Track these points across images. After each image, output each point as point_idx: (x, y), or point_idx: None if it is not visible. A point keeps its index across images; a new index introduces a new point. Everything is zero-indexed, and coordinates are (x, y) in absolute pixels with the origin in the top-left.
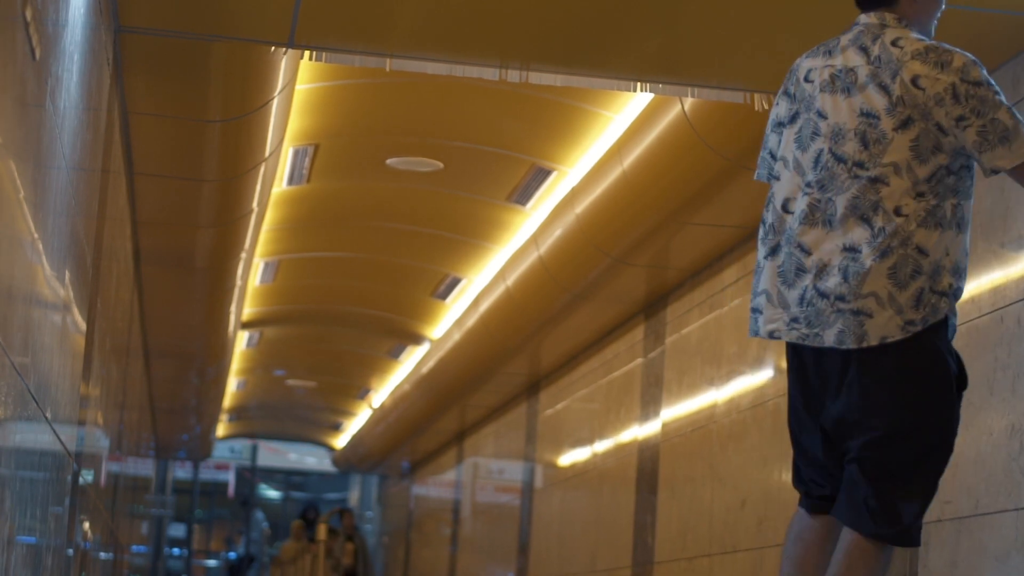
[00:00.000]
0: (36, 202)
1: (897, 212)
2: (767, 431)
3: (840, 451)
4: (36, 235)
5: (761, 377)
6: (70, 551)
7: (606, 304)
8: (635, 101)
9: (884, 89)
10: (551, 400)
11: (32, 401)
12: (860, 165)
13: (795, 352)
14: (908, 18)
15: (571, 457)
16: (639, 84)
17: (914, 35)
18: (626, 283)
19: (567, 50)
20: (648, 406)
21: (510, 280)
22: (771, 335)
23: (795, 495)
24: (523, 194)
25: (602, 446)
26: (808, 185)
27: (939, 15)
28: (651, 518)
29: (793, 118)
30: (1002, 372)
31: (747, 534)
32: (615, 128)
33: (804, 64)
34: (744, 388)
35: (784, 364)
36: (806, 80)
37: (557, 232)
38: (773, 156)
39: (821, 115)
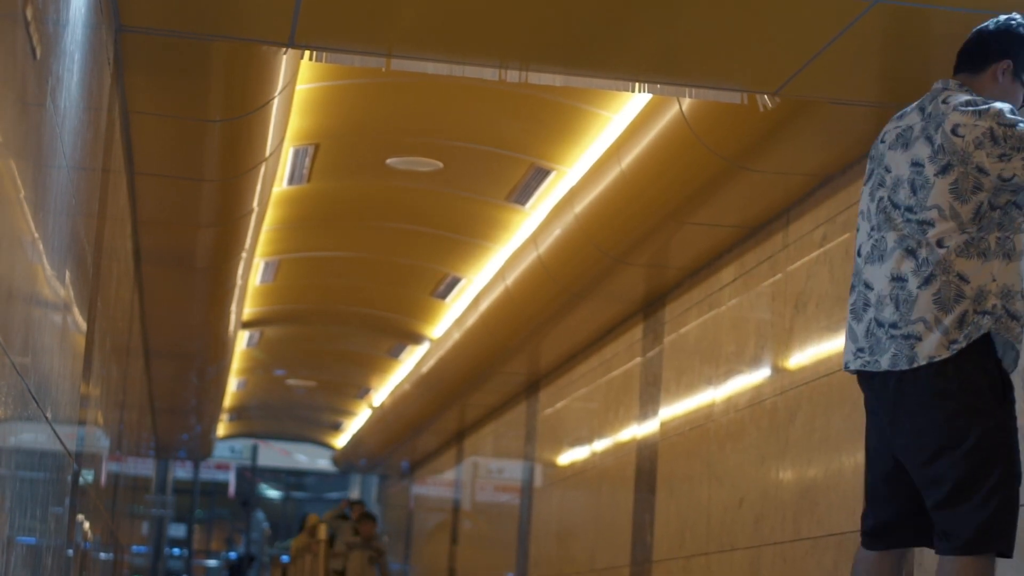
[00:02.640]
0: (36, 202)
1: (940, 244)
2: (765, 430)
3: (907, 480)
4: (36, 235)
5: (759, 376)
6: (70, 551)
7: (605, 303)
8: (633, 101)
9: (929, 140)
10: (550, 399)
11: (32, 401)
12: (910, 209)
13: (864, 385)
14: (983, 93)
15: (570, 456)
16: (637, 84)
17: (964, 95)
18: (625, 282)
19: (566, 50)
20: (646, 405)
21: (509, 280)
22: (847, 367)
23: (793, 492)
24: (522, 194)
25: (601, 445)
26: (872, 229)
27: (1021, 107)
28: (649, 517)
29: (869, 176)
30: None
31: (744, 533)
32: (614, 128)
33: (886, 128)
34: (742, 387)
35: (783, 363)
36: (881, 141)
37: (556, 232)
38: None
39: (887, 169)
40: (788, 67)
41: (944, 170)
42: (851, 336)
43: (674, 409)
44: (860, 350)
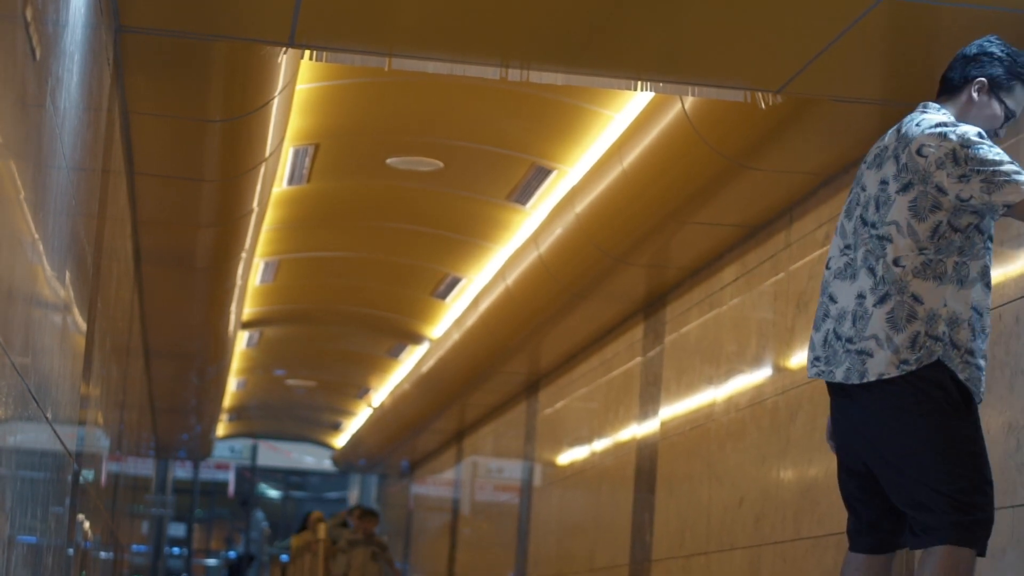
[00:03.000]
0: (36, 202)
1: (896, 263)
2: (765, 430)
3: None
4: (36, 235)
5: (760, 376)
6: (70, 551)
7: (605, 303)
8: (635, 100)
9: (896, 159)
10: (550, 399)
11: (32, 401)
12: (873, 225)
13: (829, 391)
14: (962, 113)
15: (570, 456)
16: (639, 83)
17: (939, 114)
18: (625, 282)
19: (568, 49)
20: (647, 405)
21: (510, 279)
22: (808, 374)
23: (793, 492)
24: (523, 193)
25: (601, 445)
26: (847, 247)
27: (1001, 126)
28: (649, 516)
29: (850, 193)
30: (999, 370)
31: (745, 532)
32: (615, 127)
33: (871, 148)
34: (742, 387)
35: (784, 363)
36: (864, 161)
37: (557, 231)
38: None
39: (863, 188)
40: (791, 65)
41: (905, 188)
42: (810, 344)
43: (674, 409)
44: (816, 359)
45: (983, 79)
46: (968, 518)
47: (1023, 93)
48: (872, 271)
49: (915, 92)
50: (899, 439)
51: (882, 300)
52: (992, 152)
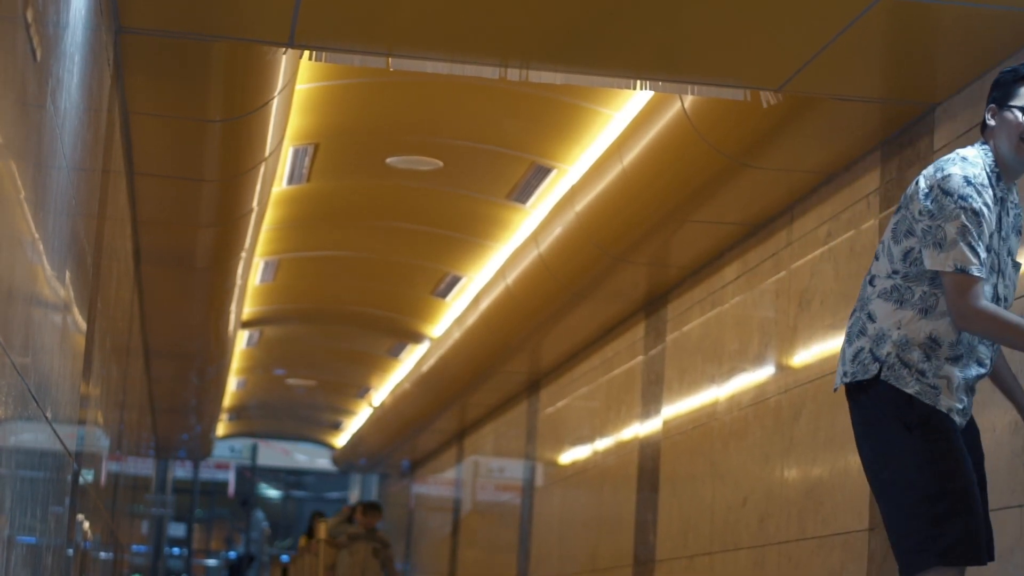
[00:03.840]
0: (37, 202)
1: (871, 281)
2: (768, 428)
3: None
4: (36, 235)
5: (762, 374)
6: (70, 551)
7: (606, 302)
8: (635, 99)
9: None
10: (551, 398)
11: (32, 401)
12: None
13: None
14: (991, 138)
15: (572, 455)
16: (639, 82)
17: (966, 149)
18: (626, 281)
19: (567, 48)
20: (649, 404)
21: (510, 278)
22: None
23: (798, 491)
24: (523, 192)
25: (603, 444)
26: (895, 272)
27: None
28: (652, 516)
29: (897, 210)
30: None
31: (748, 532)
32: (615, 126)
33: None
34: (745, 385)
35: (786, 361)
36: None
37: (557, 230)
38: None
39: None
40: (791, 63)
41: (897, 211)
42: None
43: (677, 408)
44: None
45: (991, 105)
46: (930, 534)
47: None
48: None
49: (915, 90)
50: (861, 449)
51: (852, 313)
52: (959, 207)
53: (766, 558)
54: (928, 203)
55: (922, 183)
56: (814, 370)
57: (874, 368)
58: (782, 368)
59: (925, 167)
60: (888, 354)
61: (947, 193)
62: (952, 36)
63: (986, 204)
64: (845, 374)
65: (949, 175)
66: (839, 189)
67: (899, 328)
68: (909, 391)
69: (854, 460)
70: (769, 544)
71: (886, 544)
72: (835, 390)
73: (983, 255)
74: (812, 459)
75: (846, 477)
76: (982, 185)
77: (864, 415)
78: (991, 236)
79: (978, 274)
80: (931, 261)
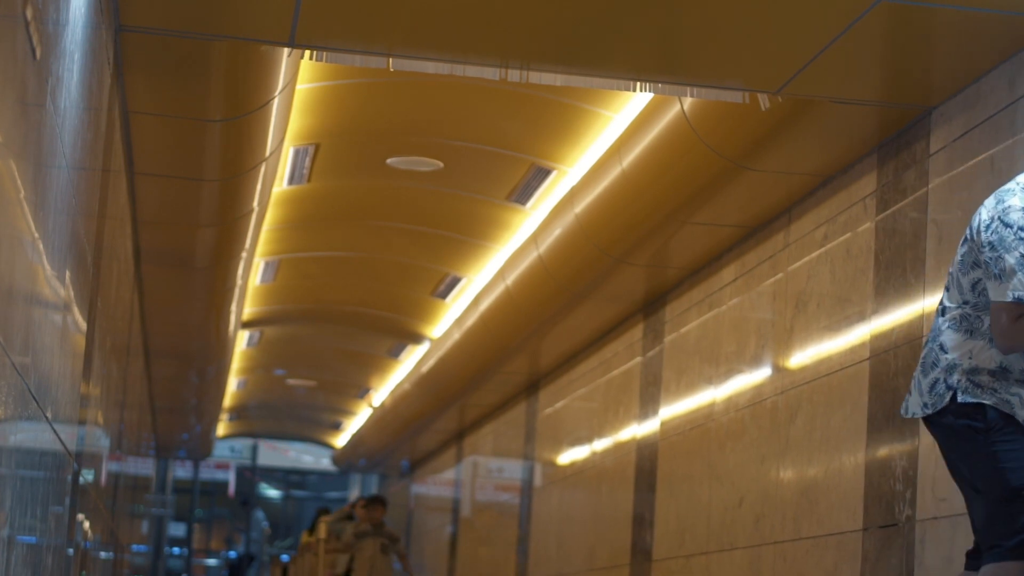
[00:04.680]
0: (36, 202)
1: (942, 312)
2: (765, 429)
3: None
4: (36, 235)
5: (759, 376)
6: (70, 550)
7: (605, 303)
8: (634, 100)
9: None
10: (550, 399)
11: (32, 401)
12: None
13: None
14: None
15: (570, 456)
16: (639, 83)
17: (1017, 181)
18: (625, 282)
19: (567, 49)
20: (647, 405)
21: (510, 279)
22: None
23: (793, 492)
24: (523, 193)
25: (601, 445)
26: (965, 303)
27: None
28: (649, 516)
29: (963, 242)
30: None
31: (745, 532)
32: (615, 127)
33: None
34: (742, 387)
35: (783, 362)
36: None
37: (556, 231)
38: None
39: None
40: (790, 66)
41: (963, 242)
42: (915, 387)
43: (674, 408)
44: (925, 405)
45: None
46: (1008, 528)
47: None
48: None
49: (912, 93)
50: (956, 469)
51: (925, 344)
52: (1018, 238)
53: (762, 558)
54: (989, 235)
55: (984, 215)
56: (810, 372)
57: (948, 396)
58: (779, 369)
59: (921, 171)
60: (959, 381)
61: (1007, 225)
62: (949, 40)
63: None
64: (925, 405)
65: (1008, 207)
66: (836, 192)
67: (970, 358)
68: (988, 402)
69: (849, 461)
70: (765, 544)
71: (880, 544)
72: (909, 416)
73: None
74: (808, 460)
75: (841, 478)
76: None
77: (946, 436)
78: None
79: None
80: (994, 293)
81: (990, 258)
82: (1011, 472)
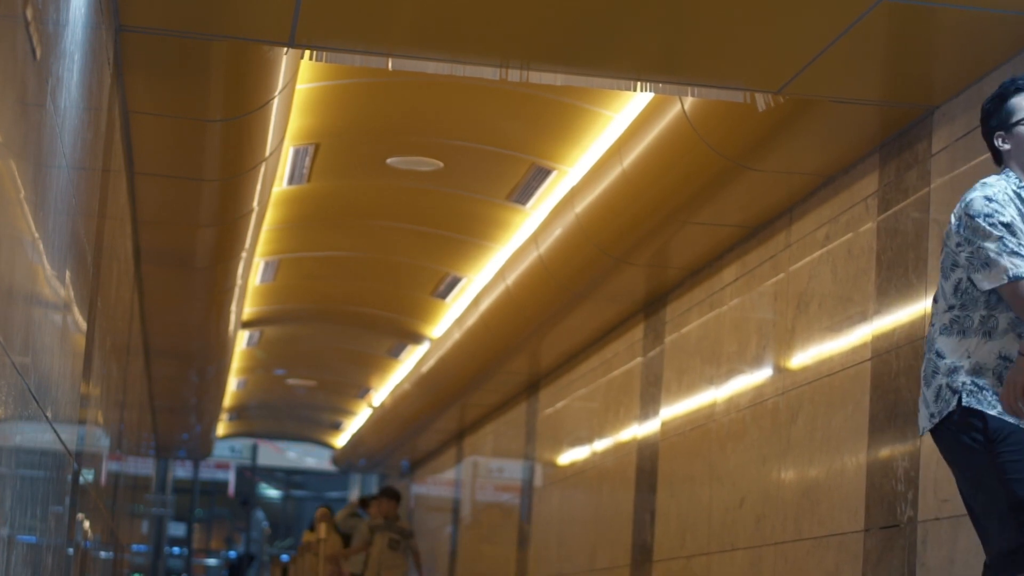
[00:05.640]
0: (37, 201)
1: (932, 323)
2: (766, 430)
3: None
4: (36, 234)
5: (760, 376)
6: (70, 550)
7: (605, 303)
8: (635, 100)
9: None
10: (551, 399)
11: (32, 400)
12: None
13: None
14: (1008, 164)
15: (570, 456)
16: (639, 83)
17: (991, 178)
18: (625, 282)
19: (567, 49)
20: (647, 405)
21: (510, 279)
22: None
23: (794, 492)
24: (523, 193)
25: (601, 445)
26: (951, 307)
27: None
28: (650, 516)
29: (942, 251)
30: None
31: (745, 532)
32: (615, 127)
33: None
34: (743, 387)
35: (784, 363)
36: None
37: (557, 231)
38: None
39: None
40: (791, 66)
41: (941, 249)
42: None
43: (675, 409)
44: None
45: (997, 132)
46: (1011, 546)
47: (1021, 98)
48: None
49: (913, 93)
50: (958, 483)
51: (923, 356)
52: (988, 224)
53: (762, 558)
54: (962, 231)
55: (952, 219)
56: (811, 372)
57: (953, 400)
58: (780, 370)
59: (923, 170)
60: (963, 383)
61: (974, 216)
62: (950, 39)
63: (1015, 218)
64: (932, 416)
65: (971, 200)
66: (838, 192)
67: (969, 357)
68: (992, 412)
69: (850, 462)
70: (766, 544)
71: (881, 545)
72: (924, 434)
73: None
74: (809, 460)
75: (842, 478)
76: (1005, 200)
77: (949, 448)
78: None
79: None
80: (986, 282)
81: (969, 253)
82: (1016, 483)
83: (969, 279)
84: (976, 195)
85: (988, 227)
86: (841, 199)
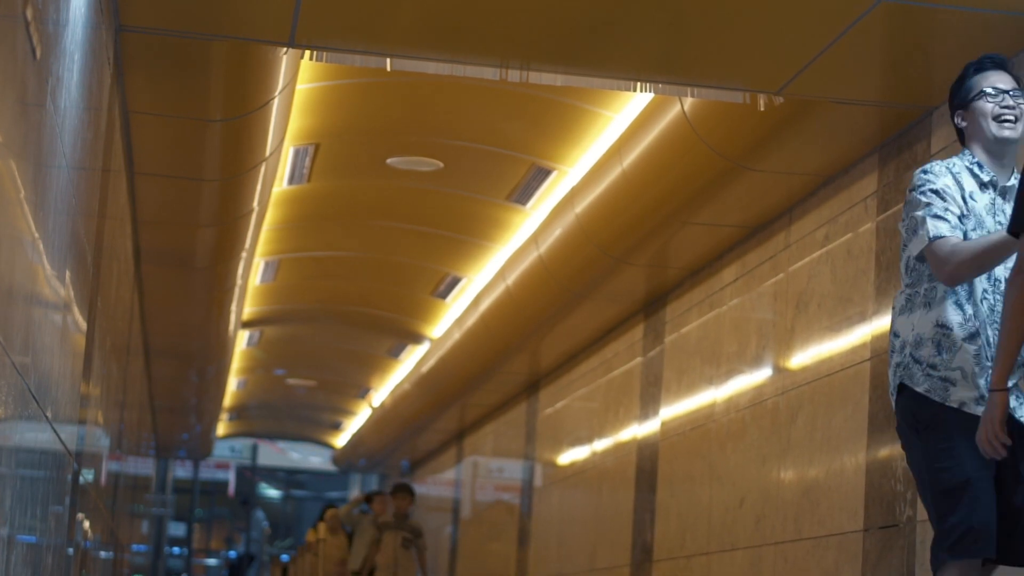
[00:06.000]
0: (37, 201)
1: (893, 306)
2: (766, 430)
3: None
4: (37, 234)
5: (760, 376)
6: (70, 550)
7: (605, 303)
8: (635, 101)
9: None
10: (551, 399)
11: (32, 400)
12: None
13: None
14: (975, 145)
15: (570, 456)
16: (639, 84)
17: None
18: (625, 282)
19: (567, 50)
20: (647, 405)
21: (510, 279)
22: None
23: (794, 492)
24: (523, 193)
25: (601, 445)
26: (906, 287)
27: (994, 140)
28: (650, 516)
29: None
30: None
31: (745, 532)
32: (615, 128)
33: None
34: (743, 387)
35: (784, 363)
36: None
37: (557, 231)
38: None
39: None
40: (791, 66)
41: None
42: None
43: (675, 409)
44: None
45: (958, 111)
46: (940, 530)
47: (980, 76)
48: None
49: (913, 94)
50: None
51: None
52: (919, 194)
53: (762, 558)
54: (905, 208)
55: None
56: (811, 372)
57: (900, 373)
58: (779, 370)
59: None
60: (907, 356)
61: (910, 190)
62: (950, 40)
63: (949, 186)
64: (891, 395)
65: (915, 176)
66: (837, 192)
67: (912, 329)
68: (919, 389)
69: (850, 461)
70: (766, 544)
71: (881, 545)
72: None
73: (954, 221)
74: (809, 460)
75: (842, 478)
76: (940, 171)
77: (898, 428)
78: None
79: (949, 234)
80: (915, 248)
81: (906, 227)
82: (941, 472)
83: (915, 257)
84: (916, 171)
85: (919, 196)
86: (840, 199)
